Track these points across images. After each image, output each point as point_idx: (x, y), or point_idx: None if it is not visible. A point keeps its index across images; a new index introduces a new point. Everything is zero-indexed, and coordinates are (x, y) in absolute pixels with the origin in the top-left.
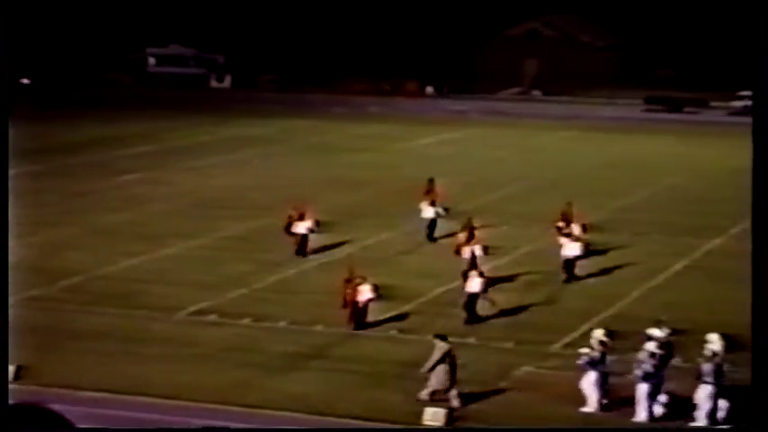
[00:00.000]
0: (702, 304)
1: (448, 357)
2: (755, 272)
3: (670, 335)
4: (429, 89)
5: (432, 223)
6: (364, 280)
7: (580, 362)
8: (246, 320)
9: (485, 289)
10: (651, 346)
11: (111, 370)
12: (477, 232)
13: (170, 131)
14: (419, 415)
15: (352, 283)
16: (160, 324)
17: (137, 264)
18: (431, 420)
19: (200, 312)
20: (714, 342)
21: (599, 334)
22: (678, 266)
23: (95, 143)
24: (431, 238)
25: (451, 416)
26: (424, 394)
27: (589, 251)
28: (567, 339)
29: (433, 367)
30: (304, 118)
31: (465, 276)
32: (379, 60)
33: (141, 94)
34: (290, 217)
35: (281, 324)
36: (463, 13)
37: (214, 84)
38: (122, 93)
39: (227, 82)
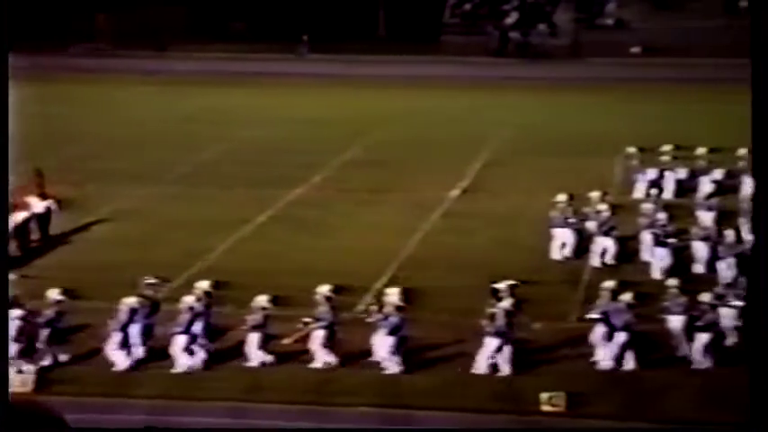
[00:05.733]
0: (286, 252)
1: None
2: (756, 270)
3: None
4: None
5: (44, 218)
6: None
7: None
8: None
9: None
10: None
11: None
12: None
13: None
14: None
15: None
16: None
17: None
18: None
19: None
20: (261, 302)
21: None
22: (263, 218)
23: None
24: (46, 236)
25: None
26: None
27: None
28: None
29: None
30: None
31: None
32: None
33: None
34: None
35: None
36: None
37: None
38: None
39: None
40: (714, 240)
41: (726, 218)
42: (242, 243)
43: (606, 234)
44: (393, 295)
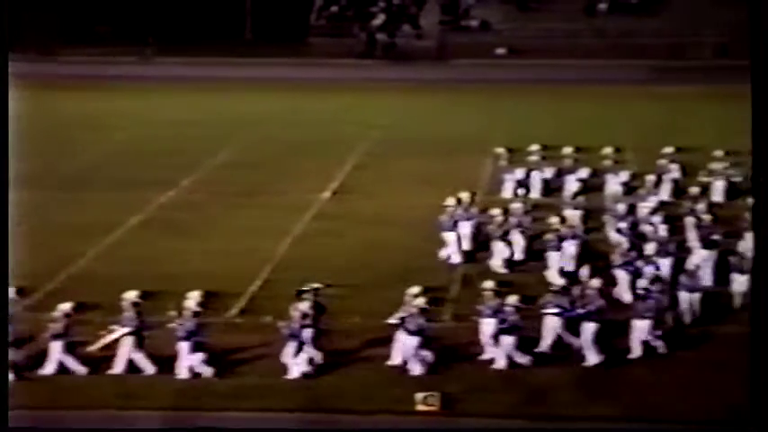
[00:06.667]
0: (156, 256)
1: None
2: (756, 268)
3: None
4: None
5: None
6: None
7: None
8: None
9: None
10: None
11: None
12: None
13: None
14: None
15: None
16: None
17: None
18: None
19: None
20: (64, 309)
21: None
22: (134, 221)
23: None
24: None
25: None
26: None
27: None
28: (28, 301)
29: None
30: None
31: None
32: None
33: None
34: None
35: None
36: None
37: None
38: None
39: None
40: (582, 239)
41: (591, 216)
42: (112, 247)
43: (502, 238)
44: (192, 300)
